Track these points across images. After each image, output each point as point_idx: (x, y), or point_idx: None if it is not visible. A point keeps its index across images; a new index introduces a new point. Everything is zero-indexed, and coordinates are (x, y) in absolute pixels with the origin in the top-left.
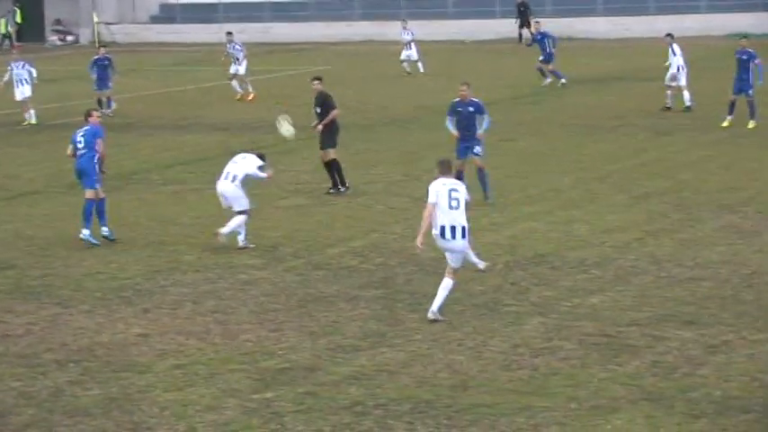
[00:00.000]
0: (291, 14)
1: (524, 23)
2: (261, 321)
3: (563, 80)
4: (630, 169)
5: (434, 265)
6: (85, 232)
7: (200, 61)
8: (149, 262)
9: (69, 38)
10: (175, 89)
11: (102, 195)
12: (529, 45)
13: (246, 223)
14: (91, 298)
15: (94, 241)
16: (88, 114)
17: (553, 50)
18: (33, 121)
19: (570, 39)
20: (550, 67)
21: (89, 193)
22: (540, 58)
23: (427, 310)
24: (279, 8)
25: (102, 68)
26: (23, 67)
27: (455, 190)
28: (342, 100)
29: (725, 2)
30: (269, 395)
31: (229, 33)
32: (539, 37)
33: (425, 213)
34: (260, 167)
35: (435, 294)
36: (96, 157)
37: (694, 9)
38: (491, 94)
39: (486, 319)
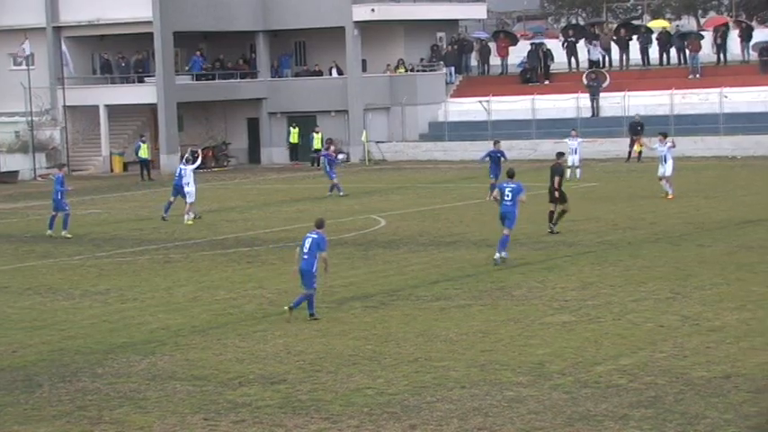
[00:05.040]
0: (557, 131)
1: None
2: None
3: None
4: None
5: (704, 385)
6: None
7: (468, 178)
8: (416, 378)
9: (341, 156)
10: (443, 206)
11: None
12: None
13: None
14: (359, 413)
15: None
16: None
17: None
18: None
19: None
20: None
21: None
22: None
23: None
24: (545, 125)
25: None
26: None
27: None
28: (610, 216)
29: None
30: None
31: (664, 135)
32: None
33: None
34: None
35: (705, 415)
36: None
37: None
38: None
39: None
